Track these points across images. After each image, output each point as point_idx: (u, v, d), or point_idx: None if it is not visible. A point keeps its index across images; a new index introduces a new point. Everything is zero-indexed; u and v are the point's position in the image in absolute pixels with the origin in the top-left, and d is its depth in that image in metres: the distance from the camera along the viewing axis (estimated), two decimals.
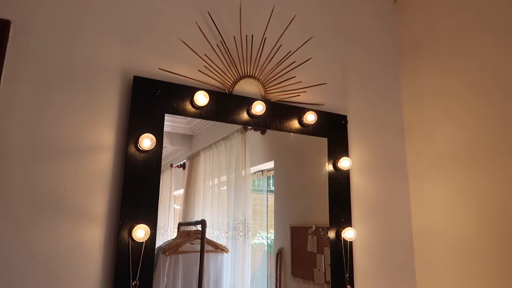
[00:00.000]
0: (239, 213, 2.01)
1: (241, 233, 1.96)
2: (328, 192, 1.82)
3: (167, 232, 1.92)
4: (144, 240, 1.37)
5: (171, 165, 2.10)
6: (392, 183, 2.06)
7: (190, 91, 1.56)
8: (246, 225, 1.99)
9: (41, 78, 1.38)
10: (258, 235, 2.06)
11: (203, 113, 1.60)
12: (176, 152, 2.11)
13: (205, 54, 1.66)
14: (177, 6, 1.69)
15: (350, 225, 1.80)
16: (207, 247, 1.96)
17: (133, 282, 1.35)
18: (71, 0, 1.48)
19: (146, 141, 1.41)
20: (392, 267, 1.95)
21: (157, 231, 2.14)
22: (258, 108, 1.65)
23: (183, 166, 2.10)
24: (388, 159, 2.08)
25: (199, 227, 2.02)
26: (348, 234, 1.76)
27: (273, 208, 2.04)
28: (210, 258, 1.98)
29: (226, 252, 1.97)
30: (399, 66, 2.25)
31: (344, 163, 1.82)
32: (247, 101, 1.68)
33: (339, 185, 1.84)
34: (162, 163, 2.06)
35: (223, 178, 2.11)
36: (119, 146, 1.44)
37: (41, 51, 1.39)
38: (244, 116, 1.69)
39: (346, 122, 1.92)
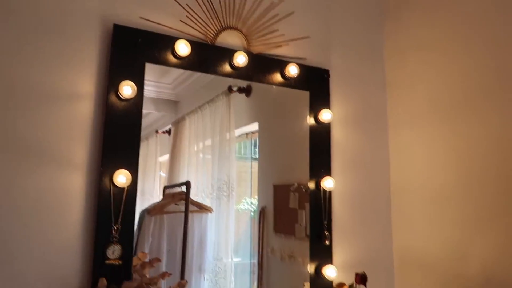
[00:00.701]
0: (223, 174, 2.04)
1: (225, 193, 2.01)
2: (309, 144, 1.86)
3: (153, 197, 1.97)
4: (125, 186, 1.41)
5: (157, 131, 2.14)
6: (373, 136, 2.11)
7: (172, 41, 1.55)
8: (230, 185, 2.03)
9: (19, 24, 1.36)
10: (243, 201, 2.12)
11: (184, 64, 1.60)
12: (162, 118, 2.15)
13: (187, 4, 1.64)
14: None
15: (330, 175, 1.86)
16: (191, 207, 2.01)
17: (115, 225, 1.40)
18: None
19: (127, 89, 1.42)
20: (370, 216, 2.03)
21: (143, 196, 2.18)
22: (241, 59, 1.66)
23: (168, 132, 2.15)
24: (370, 113, 2.12)
25: (183, 188, 2.04)
26: (327, 183, 1.82)
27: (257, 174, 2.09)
28: (195, 218, 2.04)
29: (211, 212, 2.03)
30: (383, 22, 2.25)
31: (325, 115, 1.86)
32: (230, 53, 1.68)
33: (320, 138, 1.89)
34: (148, 130, 2.04)
35: (208, 142, 2.13)
36: (99, 95, 1.45)
37: None
38: (227, 68, 1.69)
39: (328, 76, 1.94)
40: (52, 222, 1.35)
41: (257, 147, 2.06)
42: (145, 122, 2.04)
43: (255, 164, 2.12)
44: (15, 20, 1.36)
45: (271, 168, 2.08)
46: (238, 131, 2.11)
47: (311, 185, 1.83)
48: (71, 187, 1.39)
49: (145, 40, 1.52)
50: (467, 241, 1.75)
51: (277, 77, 1.81)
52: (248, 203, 2.12)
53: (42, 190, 1.34)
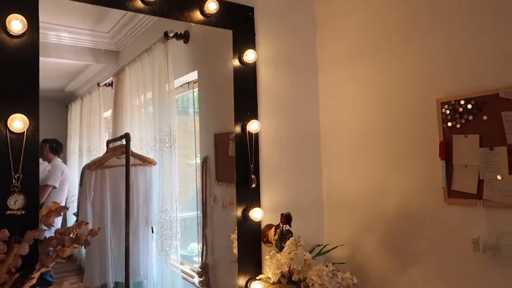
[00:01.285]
0: (164, 125, 1.99)
1: (167, 145, 1.97)
2: (234, 86, 1.80)
3: (99, 154, 1.97)
4: (23, 131, 1.29)
5: (98, 84, 2.09)
6: (302, 77, 2.08)
7: None
8: (171, 136, 1.98)
9: None
10: (190, 158, 2.09)
11: None
12: (104, 71, 2.09)
13: None
14: None
15: (256, 119, 1.82)
16: (134, 161, 1.99)
17: (15, 174, 1.29)
18: None
19: (16, 24, 1.26)
20: (299, 158, 2.04)
21: (90, 153, 2.08)
22: None
23: (111, 84, 2.08)
24: (298, 53, 2.07)
25: (124, 141, 1.99)
26: (252, 126, 1.78)
27: None
28: (139, 171, 2.02)
29: (154, 165, 2.01)
30: None
31: (249, 56, 1.79)
32: None
33: (245, 79, 1.83)
34: (90, 83, 2.05)
35: (149, 94, 2.06)
36: None
37: None
38: (137, 2, 1.55)
39: (253, 13, 1.84)
40: None
41: (198, 96, 1.98)
42: (86, 75, 2.09)
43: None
44: None
45: (211, 117, 2.02)
46: (178, 81, 2.02)
47: (237, 128, 1.79)
48: None
49: None
50: (386, 179, 1.80)
51: (197, 15, 1.70)
52: (192, 154, 2.08)
53: None
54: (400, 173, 1.73)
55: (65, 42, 1.87)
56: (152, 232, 2.06)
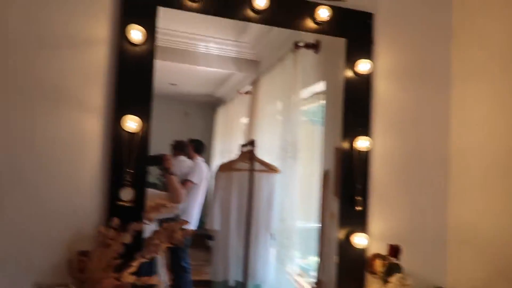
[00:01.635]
0: (289, 135, 2.05)
1: (289, 154, 2.02)
2: (343, 98, 1.68)
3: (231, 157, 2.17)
4: (137, 131, 1.42)
5: (239, 91, 2.33)
6: (429, 92, 1.84)
7: None
8: (295, 147, 2.01)
9: None
10: (311, 164, 2.08)
11: (199, 8, 1.52)
12: (246, 79, 2.30)
13: None
14: None
15: (367, 135, 1.67)
16: (260, 167, 2.15)
17: (128, 169, 1.43)
18: None
19: (135, 33, 1.41)
20: (419, 182, 1.79)
21: (222, 155, 2.32)
22: (261, 1, 1.53)
23: (249, 92, 2.28)
24: (427, 65, 1.85)
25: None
26: (360, 143, 1.63)
27: None
28: (263, 177, 2.16)
29: (278, 172, 2.12)
30: None
31: (362, 66, 1.65)
32: None
33: (357, 91, 1.69)
34: (233, 91, 2.32)
35: (279, 102, 2.20)
36: (113, 40, 1.46)
37: None
38: (247, 12, 1.58)
39: (371, 20, 1.71)
40: (70, 162, 1.43)
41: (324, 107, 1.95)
42: (230, 82, 2.35)
43: None
44: None
45: (334, 129, 1.95)
46: (307, 91, 2.05)
47: (345, 144, 1.66)
48: (88, 130, 1.45)
49: None
50: None
51: (308, 22, 1.65)
52: (317, 166, 2.04)
53: (59, 133, 1.42)
54: None
55: (213, 52, 2.09)
56: (272, 239, 2.15)
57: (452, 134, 1.84)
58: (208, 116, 2.41)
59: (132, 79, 1.45)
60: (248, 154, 2.13)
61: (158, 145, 1.84)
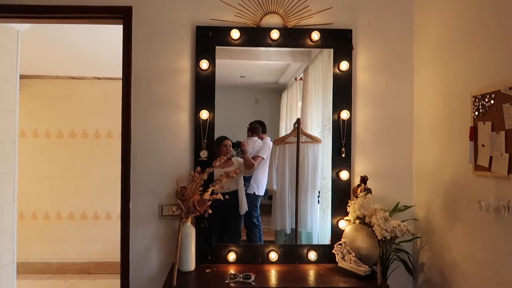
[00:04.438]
0: (326, 111, 2.67)
1: (327, 127, 2.65)
2: (333, 87, 2.60)
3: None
4: (206, 118, 2.54)
5: (296, 78, 2.84)
6: (397, 78, 2.67)
7: (229, 30, 2.54)
8: (329, 121, 2.62)
9: (148, 32, 2.59)
10: None
11: (239, 43, 2.56)
12: (301, 68, 2.78)
13: (239, 4, 2.58)
14: None
15: (349, 110, 2.59)
16: (305, 139, 2.70)
17: (203, 140, 2.56)
18: None
19: (204, 64, 2.51)
20: (390, 139, 2.66)
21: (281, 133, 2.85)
22: (274, 35, 2.52)
23: (302, 79, 2.79)
24: (394, 59, 2.66)
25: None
26: (343, 115, 2.57)
27: None
28: (309, 147, 2.71)
29: (319, 143, 2.72)
30: None
31: (343, 65, 2.56)
32: (269, 30, 2.56)
33: (342, 82, 2.59)
34: (292, 78, 2.84)
35: (320, 87, 2.73)
36: (192, 69, 2.58)
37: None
38: (268, 41, 2.58)
39: (350, 34, 2.59)
40: (175, 138, 2.59)
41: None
42: (289, 71, 2.83)
43: None
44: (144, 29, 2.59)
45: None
46: None
47: (334, 116, 2.60)
48: (182, 120, 2.60)
49: (214, 32, 2.55)
50: (442, 155, 2.29)
51: (308, 42, 2.59)
52: None
53: (169, 123, 2.59)
54: (450, 151, 2.20)
55: (271, 48, 2.61)
56: (319, 196, 2.74)
57: (414, 106, 2.67)
58: (275, 101, 2.87)
59: (203, 90, 2.56)
60: (296, 129, 2.69)
61: (235, 128, 2.78)
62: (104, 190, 5.18)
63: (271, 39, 2.56)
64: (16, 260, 3.42)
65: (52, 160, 5.23)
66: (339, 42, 2.60)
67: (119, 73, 2.61)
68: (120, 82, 2.59)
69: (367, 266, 2.28)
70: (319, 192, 2.71)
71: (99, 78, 5.30)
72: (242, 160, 2.74)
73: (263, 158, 2.75)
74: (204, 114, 2.53)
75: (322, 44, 2.59)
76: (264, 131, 2.78)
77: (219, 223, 2.58)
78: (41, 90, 5.24)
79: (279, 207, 2.74)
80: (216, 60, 2.55)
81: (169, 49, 2.59)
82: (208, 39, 2.55)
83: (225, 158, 2.58)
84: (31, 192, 5.10)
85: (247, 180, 2.76)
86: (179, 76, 2.60)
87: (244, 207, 2.71)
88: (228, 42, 2.56)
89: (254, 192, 2.76)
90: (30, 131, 5.26)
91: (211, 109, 2.55)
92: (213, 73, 2.55)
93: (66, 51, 4.15)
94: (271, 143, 2.75)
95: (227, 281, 2.18)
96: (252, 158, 2.76)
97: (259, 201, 2.78)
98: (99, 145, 5.29)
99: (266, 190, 2.76)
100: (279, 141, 2.73)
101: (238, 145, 2.71)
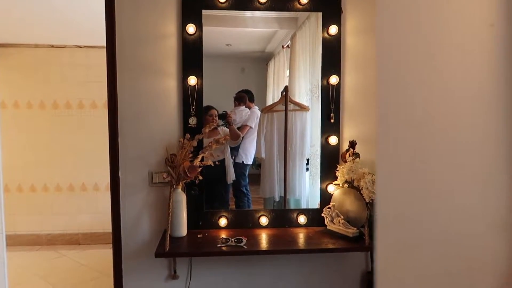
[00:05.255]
0: (314, 79, 2.62)
1: (316, 95, 2.64)
2: (322, 52, 2.58)
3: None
4: (194, 85, 2.50)
5: (282, 46, 2.77)
6: None
7: None
8: (318, 89, 2.59)
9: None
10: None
11: (225, 6, 2.48)
12: (288, 35, 2.72)
13: None
14: None
15: (338, 75, 2.58)
16: (293, 107, 2.67)
17: (192, 107, 2.53)
18: None
19: (191, 28, 2.45)
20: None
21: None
22: None
23: (289, 46, 2.72)
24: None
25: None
26: (332, 80, 2.56)
27: None
28: (297, 115, 2.70)
29: (308, 110, 2.70)
30: None
31: (332, 29, 2.52)
32: None
33: (331, 46, 2.57)
34: (279, 46, 2.78)
35: (307, 54, 2.70)
36: (179, 34, 2.51)
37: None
38: (256, 4, 2.51)
39: None
40: (162, 104, 2.56)
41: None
42: (276, 39, 2.76)
43: None
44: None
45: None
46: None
47: (323, 82, 2.59)
48: (170, 86, 2.54)
49: None
50: None
51: (296, 5, 2.53)
52: None
53: (156, 88, 2.54)
54: None
55: (258, 15, 2.57)
56: (308, 164, 2.75)
57: None
58: (261, 69, 2.84)
59: (190, 55, 2.51)
60: (284, 97, 2.67)
61: (221, 97, 2.73)
62: (91, 161, 5.14)
63: (259, 2, 2.50)
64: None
65: (36, 132, 5.12)
66: (328, 5, 2.56)
67: (101, 41, 2.53)
68: (102, 50, 2.51)
69: (355, 228, 2.34)
70: (308, 160, 2.72)
71: (80, 47, 5.15)
72: (228, 130, 2.72)
73: (251, 127, 2.75)
74: (192, 80, 2.49)
75: (311, 7, 2.55)
76: (251, 100, 2.77)
77: (208, 192, 2.59)
78: (19, 59, 5.06)
79: (267, 175, 2.75)
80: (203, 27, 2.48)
81: (154, 12, 2.51)
82: (195, 2, 2.48)
83: (214, 125, 2.57)
84: (15, 164, 5.01)
85: (235, 149, 2.76)
86: (166, 41, 2.53)
87: (231, 176, 2.74)
88: (215, 5, 2.50)
89: (243, 161, 2.78)
90: (11, 102, 5.11)
91: (199, 75, 2.51)
92: (200, 38, 2.50)
93: (47, 16, 3.98)
94: (259, 112, 2.74)
95: (219, 245, 2.22)
96: (240, 127, 2.75)
97: (247, 170, 2.79)
98: (83, 116, 5.19)
99: (254, 159, 2.77)
100: (267, 110, 2.71)
101: (224, 116, 2.69)
